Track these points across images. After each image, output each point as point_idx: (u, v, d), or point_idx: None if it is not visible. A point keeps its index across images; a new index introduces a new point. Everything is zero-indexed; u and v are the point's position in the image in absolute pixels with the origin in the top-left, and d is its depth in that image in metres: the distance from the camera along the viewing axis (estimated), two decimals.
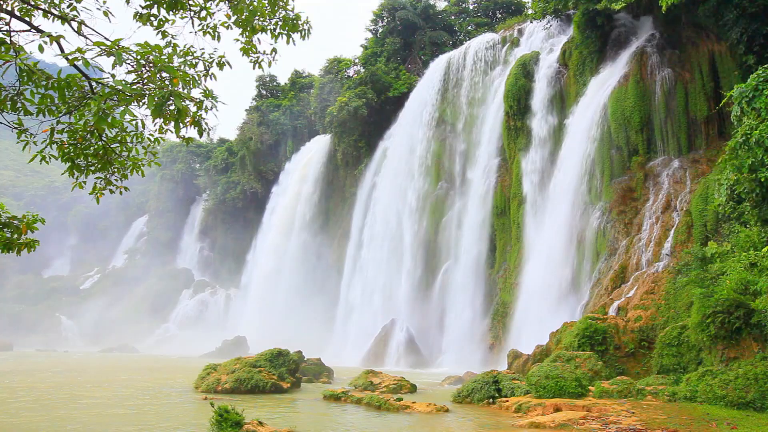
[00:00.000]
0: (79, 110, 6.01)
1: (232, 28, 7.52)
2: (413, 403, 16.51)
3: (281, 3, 7.48)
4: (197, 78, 6.22)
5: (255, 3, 7.30)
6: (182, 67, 6.02)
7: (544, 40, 37.40)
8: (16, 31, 5.98)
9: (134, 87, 5.53)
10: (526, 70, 34.45)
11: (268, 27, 7.53)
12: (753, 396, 13.44)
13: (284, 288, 50.27)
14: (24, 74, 5.25)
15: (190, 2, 7.23)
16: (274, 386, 20.55)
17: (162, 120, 5.70)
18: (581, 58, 31.50)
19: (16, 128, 6.30)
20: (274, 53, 7.79)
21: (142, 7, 7.06)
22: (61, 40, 5.38)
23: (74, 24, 6.26)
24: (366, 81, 49.70)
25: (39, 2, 6.46)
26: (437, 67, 44.35)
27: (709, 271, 18.68)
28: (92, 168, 6.62)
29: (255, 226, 61.93)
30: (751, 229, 15.76)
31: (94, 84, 5.96)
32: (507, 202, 34.58)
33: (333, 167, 55.08)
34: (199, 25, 7.42)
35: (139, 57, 5.47)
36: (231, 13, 7.35)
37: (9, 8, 6.21)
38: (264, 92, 67.11)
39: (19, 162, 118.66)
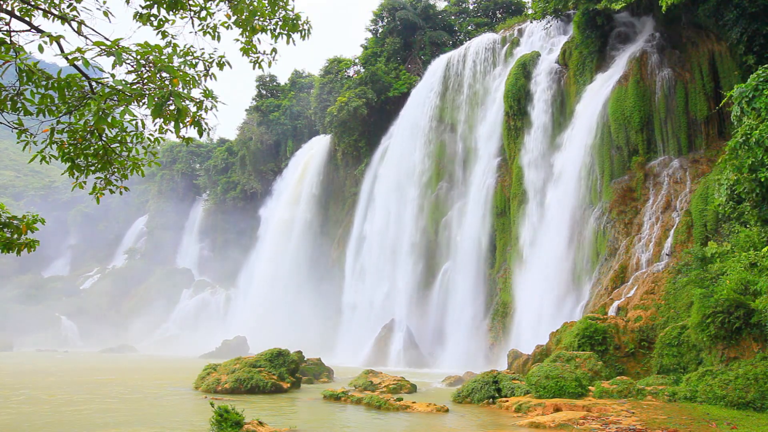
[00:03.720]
0: (79, 110, 6.01)
1: (232, 28, 7.52)
2: (413, 403, 16.51)
3: (281, 3, 7.48)
4: (197, 78, 6.22)
5: (255, 3, 7.30)
6: (182, 67, 6.02)
7: (544, 40, 37.38)
8: (16, 31, 5.99)
9: (134, 87, 5.53)
10: (526, 70, 34.43)
11: (268, 27, 7.53)
12: (753, 396, 13.44)
13: (284, 288, 50.24)
14: (24, 74, 5.25)
15: (190, 2, 7.23)
16: (274, 386, 20.55)
17: (162, 120, 5.71)
18: (581, 58, 31.49)
19: (16, 128, 6.31)
20: (274, 53, 7.79)
21: (142, 7, 7.07)
22: (61, 40, 5.38)
23: (74, 24, 6.26)
24: (366, 81, 49.69)
25: (39, 2, 6.46)
26: (437, 67, 44.32)
27: (709, 271, 18.69)
28: (92, 168, 6.63)
29: (255, 226, 61.93)
30: (751, 229, 15.76)
31: (94, 84, 5.96)
32: (507, 202, 34.57)
33: (333, 167, 55.07)
34: (199, 25, 7.43)
35: (139, 57, 5.47)
36: (231, 13, 7.36)
37: (9, 8, 6.21)
38: (264, 92, 67.06)
39: (19, 162, 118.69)
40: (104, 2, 6.79)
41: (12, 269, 75.09)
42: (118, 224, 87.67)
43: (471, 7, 56.85)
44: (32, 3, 6.37)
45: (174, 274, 70.41)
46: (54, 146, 6.28)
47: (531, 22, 38.63)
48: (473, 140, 39.40)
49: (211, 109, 6.06)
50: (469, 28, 54.43)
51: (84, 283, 77.34)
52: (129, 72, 5.60)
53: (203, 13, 7.37)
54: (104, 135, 6.27)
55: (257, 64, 7.73)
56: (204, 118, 5.99)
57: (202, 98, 5.96)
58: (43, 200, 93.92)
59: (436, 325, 36.79)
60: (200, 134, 6.05)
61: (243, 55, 7.65)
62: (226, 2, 7.36)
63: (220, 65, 6.99)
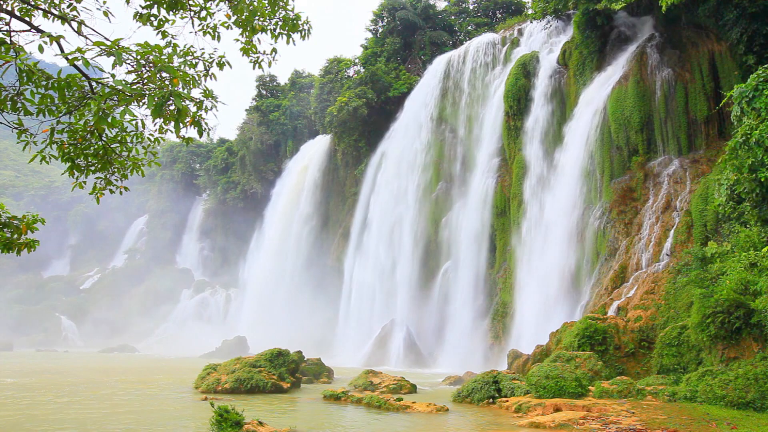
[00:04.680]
0: (79, 110, 6.02)
1: (232, 28, 7.53)
2: (413, 403, 16.51)
3: (281, 3, 7.48)
4: (197, 78, 6.23)
5: (255, 3, 7.31)
6: (182, 67, 6.02)
7: (544, 40, 37.37)
8: (16, 31, 5.99)
9: (134, 87, 5.53)
10: (526, 70, 34.43)
11: (268, 27, 7.54)
12: (753, 396, 13.44)
13: (284, 288, 50.26)
14: (24, 74, 5.25)
15: (190, 2, 7.23)
16: (274, 386, 20.56)
17: (162, 120, 5.71)
18: (581, 58, 31.49)
19: (16, 128, 6.31)
20: (274, 53, 7.80)
21: (142, 7, 7.07)
22: (61, 40, 5.38)
23: (74, 24, 6.27)
24: (366, 81, 49.67)
25: (39, 2, 6.46)
26: (437, 67, 44.32)
27: (709, 271, 18.70)
28: (92, 168, 6.64)
29: (255, 226, 61.94)
30: (751, 229, 15.76)
31: (94, 84, 5.96)
32: (507, 202, 34.56)
33: (333, 167, 55.08)
34: (199, 25, 7.43)
35: (139, 57, 5.47)
36: (231, 13, 7.36)
37: (9, 8, 6.21)
38: (264, 92, 67.07)
39: (19, 162, 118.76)
40: (104, 2, 6.79)
41: (12, 269, 75.11)
42: (118, 224, 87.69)
43: (471, 7, 56.85)
44: (32, 3, 6.38)
45: (174, 274, 70.43)
46: (54, 146, 6.29)
47: (531, 22, 38.63)
48: (473, 140, 39.40)
49: (211, 109, 6.06)
50: (469, 28, 54.42)
51: (84, 283, 77.36)
52: (129, 72, 5.60)
53: (203, 13, 7.37)
54: (104, 135, 6.27)
55: (257, 64, 7.74)
56: (204, 118, 5.99)
57: (202, 98, 5.96)
58: (43, 200, 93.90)
59: (436, 325, 36.79)
60: (200, 134, 6.05)
61: (243, 55, 7.66)
62: (226, 2, 7.36)
63: (220, 65, 6.99)
